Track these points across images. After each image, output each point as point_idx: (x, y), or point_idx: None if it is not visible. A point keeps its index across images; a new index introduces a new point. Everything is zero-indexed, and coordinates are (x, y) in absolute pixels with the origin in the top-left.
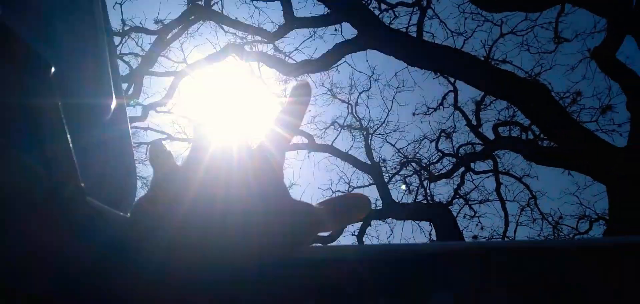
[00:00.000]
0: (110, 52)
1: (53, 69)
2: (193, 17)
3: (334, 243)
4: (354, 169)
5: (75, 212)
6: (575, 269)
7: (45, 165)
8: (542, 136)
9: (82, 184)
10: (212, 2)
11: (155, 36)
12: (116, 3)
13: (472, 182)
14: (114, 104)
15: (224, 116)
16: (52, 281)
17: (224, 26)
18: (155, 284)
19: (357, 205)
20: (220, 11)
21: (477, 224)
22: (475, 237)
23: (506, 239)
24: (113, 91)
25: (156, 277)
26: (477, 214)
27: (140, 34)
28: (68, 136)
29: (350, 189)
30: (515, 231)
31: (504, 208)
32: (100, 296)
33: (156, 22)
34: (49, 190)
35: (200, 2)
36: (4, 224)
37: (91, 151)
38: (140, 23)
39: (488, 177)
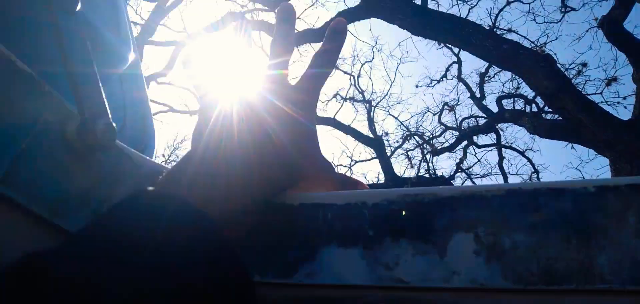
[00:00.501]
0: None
1: (79, 5)
2: None
3: None
4: (357, 142)
5: (106, 149)
6: (594, 208)
7: (76, 100)
8: (546, 108)
9: (114, 124)
10: None
11: (155, 3)
12: None
13: (474, 156)
14: (132, 55)
15: (225, 81)
16: (82, 218)
17: None
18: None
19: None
20: None
21: None
22: None
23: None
24: (131, 41)
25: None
26: None
27: (139, 1)
28: (97, 73)
29: (353, 163)
30: None
31: (506, 182)
32: (125, 235)
33: None
34: (81, 126)
35: None
36: (38, 158)
37: (112, 97)
38: None
39: (491, 150)
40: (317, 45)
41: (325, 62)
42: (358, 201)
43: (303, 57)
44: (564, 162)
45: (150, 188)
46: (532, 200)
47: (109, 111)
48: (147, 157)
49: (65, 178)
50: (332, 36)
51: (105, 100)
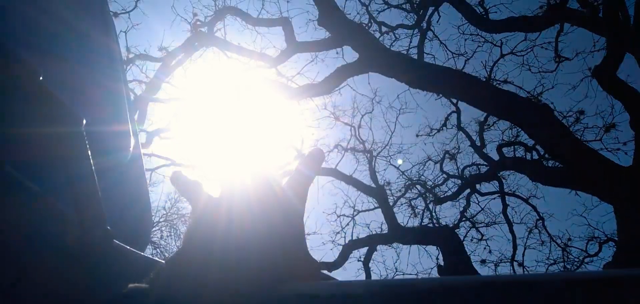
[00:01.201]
0: (124, 84)
1: (84, 122)
2: (196, 43)
3: (340, 269)
4: (359, 192)
5: (102, 254)
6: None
7: (76, 211)
8: (546, 156)
9: (109, 228)
10: (215, 29)
11: (160, 63)
12: (121, 31)
13: (478, 204)
14: (133, 143)
15: (229, 144)
16: None
17: (227, 52)
18: None
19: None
20: (223, 37)
21: (484, 248)
22: (483, 261)
23: (515, 262)
24: (131, 129)
25: None
26: (484, 237)
27: (144, 61)
28: (97, 183)
29: (355, 213)
30: (523, 254)
31: (511, 230)
32: None
33: (160, 49)
34: (79, 234)
35: (203, 29)
36: (39, 265)
37: (111, 190)
38: (145, 50)
39: (494, 198)
40: (317, 99)
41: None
42: (343, 292)
43: (304, 110)
44: (569, 209)
45: (143, 285)
46: (506, 294)
47: (105, 218)
48: (141, 253)
49: (64, 282)
50: (308, 161)
51: (103, 209)
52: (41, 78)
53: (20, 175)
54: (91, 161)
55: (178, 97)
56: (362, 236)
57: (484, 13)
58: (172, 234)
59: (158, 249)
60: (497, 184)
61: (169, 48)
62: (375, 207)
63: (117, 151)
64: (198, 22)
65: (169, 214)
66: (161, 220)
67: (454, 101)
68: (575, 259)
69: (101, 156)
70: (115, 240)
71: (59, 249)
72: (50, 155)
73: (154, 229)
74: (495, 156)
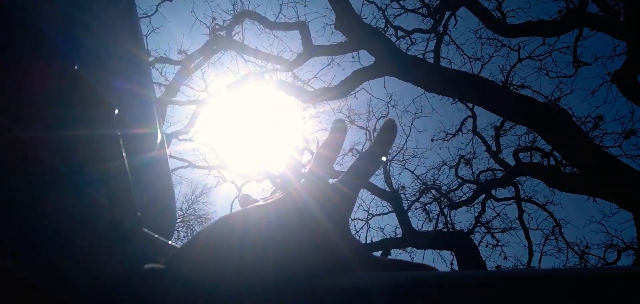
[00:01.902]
0: (151, 84)
1: (116, 111)
2: (215, 46)
3: None
4: (373, 196)
5: (134, 241)
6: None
7: (108, 198)
8: (564, 161)
9: (139, 215)
10: (234, 33)
11: (179, 66)
12: (143, 35)
13: (493, 209)
14: (159, 138)
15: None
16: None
17: (244, 55)
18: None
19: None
20: (240, 41)
21: (500, 254)
22: (498, 267)
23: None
24: (158, 125)
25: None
26: (499, 243)
27: (164, 64)
28: (128, 171)
29: (369, 217)
30: (539, 261)
31: (527, 237)
32: None
33: (180, 52)
34: (112, 221)
35: (222, 33)
36: (73, 253)
37: (138, 184)
38: (165, 53)
39: (510, 204)
40: (333, 103)
41: (372, 160)
42: (385, 284)
43: (319, 113)
44: (587, 216)
45: (160, 265)
46: (533, 288)
47: (136, 205)
48: (167, 241)
49: (94, 265)
50: (381, 134)
51: (133, 197)
52: (76, 67)
53: (63, 166)
54: (122, 148)
55: (196, 99)
56: (376, 240)
57: (501, 17)
58: (189, 235)
59: None
60: (513, 190)
61: (188, 51)
62: (390, 212)
63: (146, 148)
64: (216, 26)
65: (186, 215)
66: (178, 221)
67: (470, 105)
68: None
69: (131, 152)
70: (144, 228)
71: (91, 235)
72: (86, 148)
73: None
74: (511, 161)
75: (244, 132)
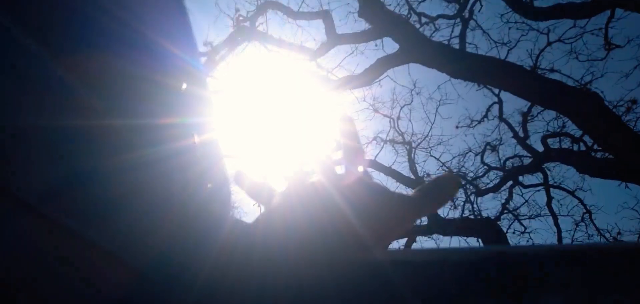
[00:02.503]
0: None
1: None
2: (239, 38)
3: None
4: (398, 184)
5: (225, 219)
6: None
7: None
8: (595, 147)
9: (231, 192)
10: (258, 24)
11: (205, 58)
12: None
13: (521, 196)
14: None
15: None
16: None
17: (268, 46)
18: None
19: (447, 185)
20: (265, 32)
21: (528, 240)
22: None
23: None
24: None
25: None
26: (527, 230)
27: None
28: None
29: None
30: None
31: (556, 224)
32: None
33: (205, 44)
34: (203, 199)
35: (245, 24)
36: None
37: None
38: None
39: (538, 191)
40: (356, 92)
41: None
42: (439, 258)
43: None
44: (618, 202)
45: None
46: (630, 260)
47: (229, 187)
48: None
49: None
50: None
51: (227, 172)
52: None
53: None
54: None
55: (221, 90)
56: None
57: (528, 0)
58: None
59: None
60: (541, 176)
61: (213, 43)
62: None
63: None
64: (240, 17)
65: None
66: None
67: (496, 91)
68: None
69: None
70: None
71: (185, 212)
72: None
73: None
74: (539, 147)
75: (268, 125)
